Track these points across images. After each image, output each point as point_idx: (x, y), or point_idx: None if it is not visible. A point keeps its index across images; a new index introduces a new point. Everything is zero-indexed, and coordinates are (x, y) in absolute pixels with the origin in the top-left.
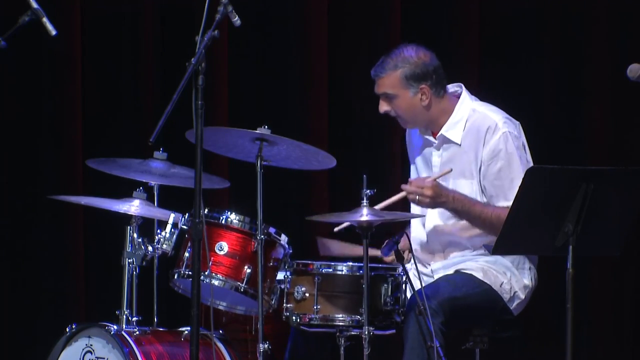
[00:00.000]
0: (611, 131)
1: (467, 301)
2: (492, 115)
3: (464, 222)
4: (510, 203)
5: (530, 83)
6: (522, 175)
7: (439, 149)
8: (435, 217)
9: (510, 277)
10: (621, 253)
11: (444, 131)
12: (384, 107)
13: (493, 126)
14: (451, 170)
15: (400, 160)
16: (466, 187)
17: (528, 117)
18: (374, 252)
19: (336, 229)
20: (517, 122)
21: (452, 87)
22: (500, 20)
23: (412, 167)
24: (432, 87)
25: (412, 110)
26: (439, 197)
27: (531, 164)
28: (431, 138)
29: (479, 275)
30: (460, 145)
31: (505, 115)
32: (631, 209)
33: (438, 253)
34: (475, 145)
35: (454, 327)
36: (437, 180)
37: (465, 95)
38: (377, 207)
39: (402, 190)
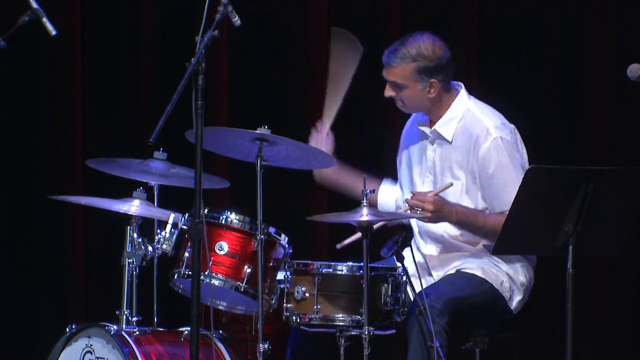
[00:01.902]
0: (611, 131)
1: (471, 301)
2: (485, 120)
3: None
4: (505, 208)
5: (530, 83)
6: (516, 180)
7: (433, 144)
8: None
9: (508, 275)
10: (621, 253)
11: (437, 127)
12: (389, 92)
13: (484, 132)
14: (452, 184)
15: None
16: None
17: (528, 117)
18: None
19: (339, 246)
20: (512, 126)
21: (453, 82)
22: (500, 21)
23: (404, 157)
24: (442, 82)
25: (418, 100)
26: (441, 212)
27: (527, 167)
28: (427, 130)
29: (479, 274)
30: (451, 143)
31: (500, 119)
32: (631, 209)
33: (435, 246)
34: (467, 147)
35: (457, 327)
36: (439, 194)
37: (463, 93)
38: (339, 246)
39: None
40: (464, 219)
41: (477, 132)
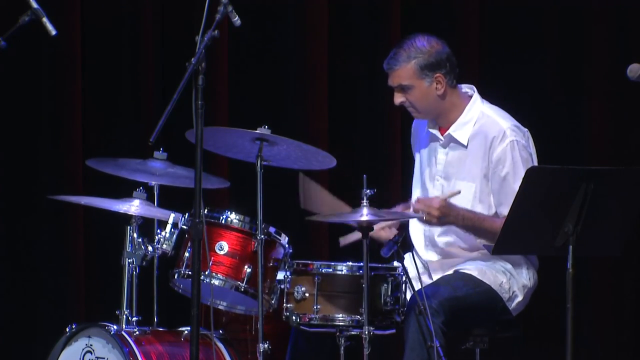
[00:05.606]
0: (611, 131)
1: (467, 301)
2: (501, 122)
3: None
4: None
5: (530, 83)
6: None
7: (445, 147)
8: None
9: (509, 277)
10: (621, 253)
11: (452, 131)
12: (399, 98)
13: (501, 134)
14: (459, 192)
15: (400, 160)
16: (465, 189)
17: (528, 117)
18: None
19: (342, 244)
20: (526, 130)
21: (464, 87)
22: (500, 20)
23: (417, 159)
24: (447, 76)
25: (427, 100)
26: (447, 217)
27: None
28: (438, 134)
29: (476, 274)
30: (466, 147)
31: (514, 122)
32: (631, 209)
33: (436, 253)
34: (482, 150)
35: (455, 327)
36: (447, 200)
37: (477, 97)
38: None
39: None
40: (471, 224)
41: (493, 133)
